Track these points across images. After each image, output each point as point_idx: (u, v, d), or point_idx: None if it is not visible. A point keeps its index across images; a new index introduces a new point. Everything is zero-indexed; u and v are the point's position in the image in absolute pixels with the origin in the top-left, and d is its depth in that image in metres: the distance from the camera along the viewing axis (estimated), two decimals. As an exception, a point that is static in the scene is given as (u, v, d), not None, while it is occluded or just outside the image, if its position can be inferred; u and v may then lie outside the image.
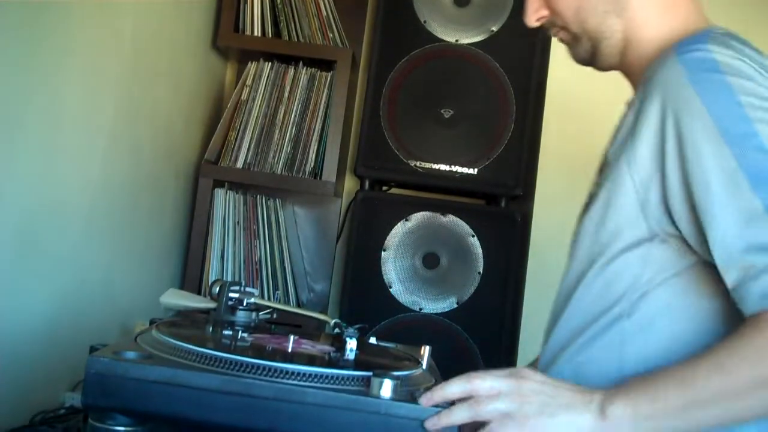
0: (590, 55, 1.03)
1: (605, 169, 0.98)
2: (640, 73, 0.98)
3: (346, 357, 0.93)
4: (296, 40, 2.10)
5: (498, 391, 0.82)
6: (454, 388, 0.81)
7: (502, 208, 2.04)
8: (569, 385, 0.84)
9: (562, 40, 1.06)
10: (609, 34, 1.00)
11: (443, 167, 2.01)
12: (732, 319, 0.86)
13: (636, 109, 0.93)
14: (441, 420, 0.78)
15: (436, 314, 1.98)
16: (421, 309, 1.98)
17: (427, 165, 2.02)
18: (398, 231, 2.02)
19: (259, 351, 0.91)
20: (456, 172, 2.01)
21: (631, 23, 0.99)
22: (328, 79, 2.09)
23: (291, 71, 2.10)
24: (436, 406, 0.78)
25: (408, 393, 0.79)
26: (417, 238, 2.02)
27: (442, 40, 2.04)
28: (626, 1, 0.99)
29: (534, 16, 1.04)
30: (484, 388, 0.82)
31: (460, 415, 0.79)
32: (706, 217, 0.83)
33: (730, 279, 0.81)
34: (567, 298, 1.00)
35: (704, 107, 0.84)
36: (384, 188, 2.20)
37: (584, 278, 0.97)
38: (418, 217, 2.02)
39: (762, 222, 0.79)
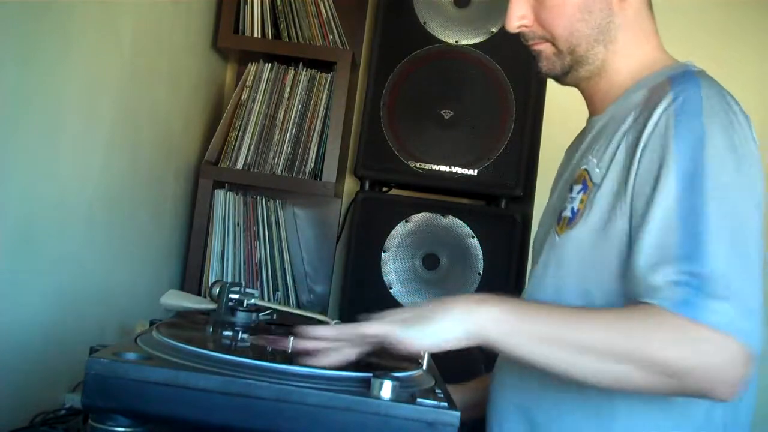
0: (564, 73, 1.08)
1: (589, 189, 1.01)
2: (605, 97, 1.07)
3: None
4: (296, 41, 2.10)
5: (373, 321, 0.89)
6: (332, 328, 0.89)
7: (502, 209, 2.04)
8: (440, 300, 0.92)
9: (538, 52, 1.08)
10: (592, 60, 1.06)
11: (443, 168, 2.01)
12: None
13: (632, 141, 0.97)
14: (329, 358, 0.85)
15: (436, 315, 1.98)
16: (421, 310, 1.98)
17: (427, 166, 2.02)
18: (398, 232, 2.01)
19: (259, 352, 0.91)
20: (456, 173, 2.01)
21: (613, 55, 1.06)
22: (328, 80, 2.09)
23: (291, 72, 2.10)
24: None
25: (408, 394, 0.78)
26: (417, 239, 2.02)
27: (442, 42, 2.04)
28: (614, 35, 1.05)
29: (517, 22, 1.06)
30: (355, 326, 0.89)
31: (341, 343, 0.87)
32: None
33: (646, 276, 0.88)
34: None
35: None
36: (384, 189, 2.19)
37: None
38: (418, 218, 2.02)
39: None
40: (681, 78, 0.98)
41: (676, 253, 0.86)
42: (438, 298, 0.91)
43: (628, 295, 0.92)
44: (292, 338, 0.93)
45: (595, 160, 1.03)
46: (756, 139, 0.95)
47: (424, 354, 0.98)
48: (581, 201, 1.02)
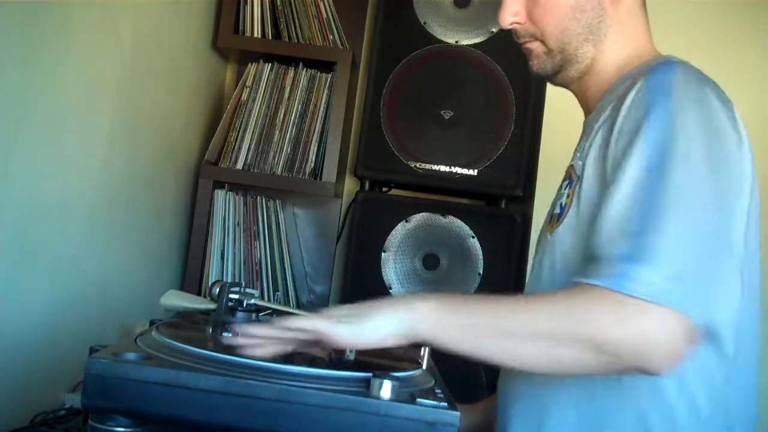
0: (554, 72, 1.08)
1: (574, 183, 1.01)
2: (595, 96, 1.07)
3: (346, 358, 0.93)
4: (296, 41, 2.10)
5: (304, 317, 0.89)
6: (268, 324, 0.89)
7: (502, 209, 2.04)
8: (379, 299, 0.91)
9: (529, 50, 1.08)
10: (581, 59, 1.06)
11: (443, 168, 2.01)
12: None
13: (606, 131, 0.96)
14: (263, 348, 0.85)
15: (436, 315, 1.98)
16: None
17: (427, 166, 2.02)
18: (398, 232, 2.01)
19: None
20: (456, 173, 2.01)
21: (601, 54, 1.06)
22: (328, 80, 2.09)
23: (291, 72, 2.10)
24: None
25: (408, 394, 0.78)
26: (417, 239, 2.02)
27: (442, 42, 2.04)
28: (604, 35, 1.05)
29: (510, 18, 1.06)
30: (289, 321, 0.88)
31: (266, 332, 0.87)
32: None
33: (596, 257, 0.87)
34: None
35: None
36: (384, 189, 2.19)
37: None
38: (418, 218, 2.02)
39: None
40: (658, 66, 0.98)
41: (624, 232, 0.85)
42: (378, 299, 0.91)
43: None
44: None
45: (578, 154, 1.03)
46: (738, 121, 0.94)
47: (424, 354, 0.98)
48: (568, 196, 1.02)
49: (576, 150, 1.07)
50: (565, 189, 1.04)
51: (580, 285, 0.85)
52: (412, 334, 0.87)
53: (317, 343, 0.89)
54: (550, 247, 1.04)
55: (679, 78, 0.93)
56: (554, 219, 1.05)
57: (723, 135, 0.90)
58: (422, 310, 0.87)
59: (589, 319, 0.83)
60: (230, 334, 0.90)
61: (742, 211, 0.92)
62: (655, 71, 0.96)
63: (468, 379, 1.85)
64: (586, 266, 0.89)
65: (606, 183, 0.93)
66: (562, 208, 1.03)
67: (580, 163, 1.01)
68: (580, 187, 0.99)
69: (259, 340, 0.87)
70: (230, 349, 0.90)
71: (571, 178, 1.03)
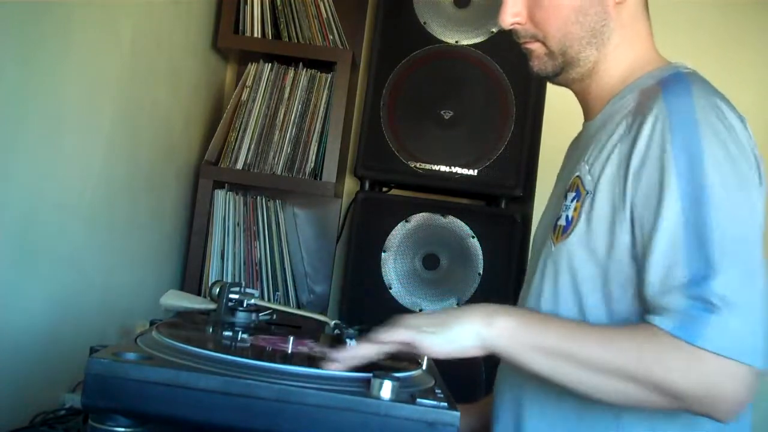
0: (555, 74, 1.07)
1: (582, 197, 1.01)
2: (597, 100, 1.07)
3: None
4: (296, 41, 2.10)
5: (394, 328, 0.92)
6: (358, 348, 0.91)
7: (502, 209, 2.04)
8: (457, 308, 0.96)
9: (530, 50, 1.07)
10: (584, 62, 1.05)
11: (443, 168, 2.01)
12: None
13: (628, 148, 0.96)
14: (347, 353, 0.87)
15: (436, 315, 1.98)
16: (421, 310, 1.98)
17: (427, 166, 2.02)
18: (398, 232, 2.01)
19: (259, 352, 0.91)
20: (456, 173, 2.01)
21: (604, 57, 1.05)
22: (328, 80, 2.09)
23: (291, 72, 2.10)
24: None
25: (408, 394, 0.78)
26: (417, 239, 2.02)
27: (442, 42, 2.04)
28: (607, 38, 1.04)
29: (511, 19, 1.05)
30: (380, 332, 0.92)
31: (365, 349, 0.90)
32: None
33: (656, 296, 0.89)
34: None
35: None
36: (384, 189, 2.19)
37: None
38: (418, 218, 2.02)
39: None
40: (671, 82, 0.97)
41: (682, 274, 0.87)
42: (455, 307, 0.95)
43: (639, 314, 0.93)
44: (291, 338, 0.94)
45: (587, 167, 1.02)
46: (752, 137, 0.95)
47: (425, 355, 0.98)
48: (575, 209, 1.01)
49: (581, 159, 1.05)
50: (572, 201, 1.02)
51: (651, 325, 0.87)
52: (490, 347, 0.91)
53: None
54: (554, 257, 1.03)
55: (698, 103, 0.93)
56: (559, 230, 1.04)
57: (748, 160, 0.92)
58: (501, 325, 0.91)
59: (661, 363, 0.86)
60: (327, 360, 0.90)
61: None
62: (670, 91, 0.95)
63: (468, 379, 1.85)
64: (644, 302, 0.91)
65: (620, 208, 0.94)
66: (568, 221, 1.02)
67: (589, 177, 1.00)
68: (591, 203, 0.98)
69: (349, 356, 0.88)
70: (229, 349, 0.90)
71: (578, 190, 1.02)
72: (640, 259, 0.93)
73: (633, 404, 0.90)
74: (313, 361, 0.91)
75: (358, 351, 0.90)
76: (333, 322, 1.10)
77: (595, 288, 0.98)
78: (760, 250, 0.89)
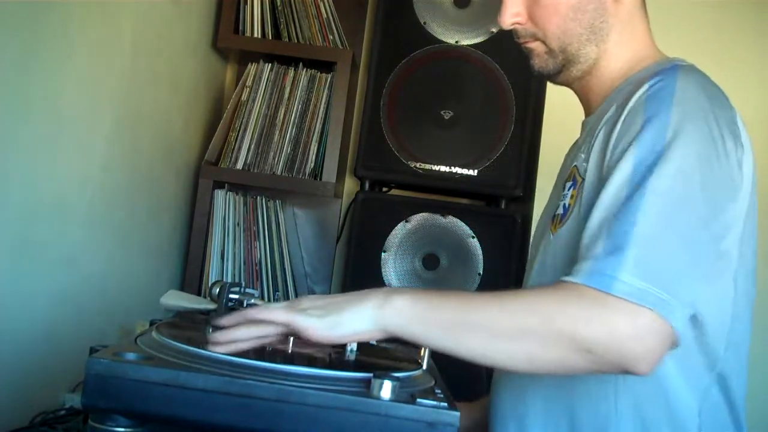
0: (556, 72, 1.07)
1: (578, 184, 1.01)
2: (597, 97, 1.07)
3: (346, 358, 0.93)
4: (296, 41, 2.10)
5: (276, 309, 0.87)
6: (241, 314, 0.87)
7: (502, 209, 2.04)
8: (351, 293, 0.90)
9: (530, 50, 1.08)
10: (584, 60, 1.05)
11: (443, 168, 2.01)
12: None
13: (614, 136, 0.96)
14: (225, 336, 0.84)
15: (436, 315, 1.98)
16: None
17: (427, 166, 2.02)
18: (398, 232, 2.02)
19: (259, 352, 0.91)
20: (456, 173, 2.01)
21: (604, 54, 1.06)
22: (328, 80, 2.09)
23: (291, 72, 2.10)
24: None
25: (408, 394, 0.79)
26: (417, 239, 2.02)
27: (442, 42, 2.04)
28: (606, 35, 1.05)
29: (511, 19, 1.05)
30: (267, 308, 0.87)
31: (245, 332, 0.86)
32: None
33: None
34: None
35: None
36: (384, 189, 2.20)
37: None
38: (418, 219, 2.02)
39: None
40: (662, 70, 0.98)
41: (607, 233, 0.85)
42: (356, 292, 0.89)
43: None
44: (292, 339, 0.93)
45: (583, 156, 1.03)
46: (742, 129, 0.94)
47: (424, 354, 0.98)
48: (572, 197, 1.02)
49: (580, 150, 1.07)
50: (569, 190, 1.03)
51: (561, 282, 0.85)
52: (385, 328, 0.85)
53: (290, 335, 0.88)
54: (551, 247, 1.04)
55: (680, 85, 0.92)
56: (557, 219, 1.05)
57: (717, 144, 0.90)
58: (396, 304, 0.86)
59: (567, 315, 0.82)
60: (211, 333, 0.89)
61: (736, 220, 0.92)
62: (658, 77, 0.95)
63: (468, 378, 1.85)
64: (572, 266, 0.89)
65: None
66: (565, 209, 1.03)
67: (585, 165, 1.01)
68: (582, 189, 0.99)
69: (230, 337, 0.86)
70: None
71: (575, 179, 1.03)
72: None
73: (547, 369, 0.86)
74: (313, 360, 0.91)
75: (239, 333, 0.86)
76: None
77: None
78: (710, 227, 0.87)
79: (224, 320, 0.89)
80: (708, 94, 0.93)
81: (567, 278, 0.85)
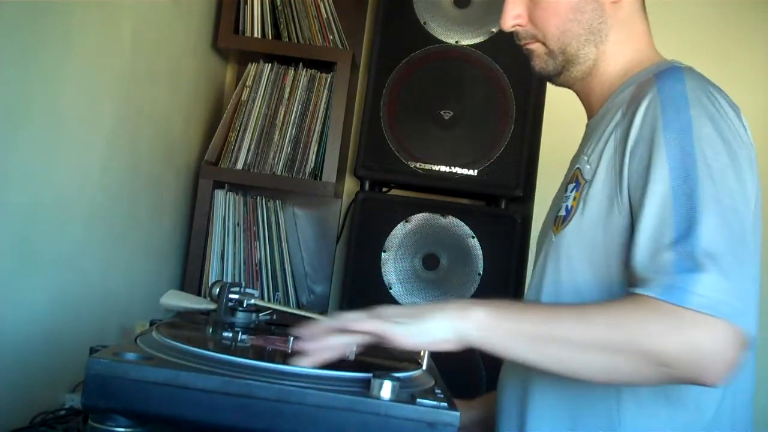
0: (557, 73, 1.09)
1: (581, 186, 1.02)
2: (599, 98, 1.08)
3: (346, 358, 0.93)
4: (296, 41, 2.10)
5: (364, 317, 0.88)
6: (328, 321, 0.89)
7: (502, 209, 2.04)
8: (432, 302, 0.93)
9: (531, 51, 1.09)
10: (583, 60, 1.07)
11: (443, 168, 2.01)
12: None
13: (620, 138, 0.97)
14: (313, 345, 0.85)
15: (436, 315, 1.98)
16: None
17: (427, 166, 2.02)
18: (398, 232, 2.01)
19: (259, 352, 0.91)
20: (456, 173, 2.01)
21: (603, 55, 1.07)
22: (328, 80, 2.09)
23: (291, 72, 2.10)
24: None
25: (408, 394, 0.79)
26: (417, 239, 2.02)
27: (442, 42, 2.04)
28: (606, 35, 1.06)
29: (512, 21, 1.07)
30: (350, 318, 0.88)
31: (334, 340, 0.87)
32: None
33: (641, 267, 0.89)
34: None
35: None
36: (384, 189, 2.20)
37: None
38: (418, 219, 2.02)
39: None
40: (665, 72, 0.99)
41: (669, 241, 0.86)
42: (431, 301, 0.92)
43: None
44: (291, 339, 0.93)
45: (585, 158, 1.03)
46: (746, 127, 0.96)
47: (424, 354, 0.98)
48: (574, 198, 1.03)
49: (582, 153, 1.07)
50: (571, 191, 1.04)
51: (634, 296, 0.86)
52: (466, 340, 0.88)
53: (380, 347, 0.90)
54: (554, 248, 1.05)
55: (690, 86, 0.94)
56: (559, 221, 1.05)
57: (738, 142, 0.92)
58: (475, 316, 0.88)
59: (645, 330, 0.84)
60: (292, 339, 0.89)
61: (755, 219, 0.94)
62: (664, 79, 0.96)
63: (468, 378, 1.85)
64: (630, 276, 0.90)
65: (617, 192, 0.95)
66: (568, 211, 1.03)
67: (588, 167, 1.01)
68: (587, 191, 1.00)
69: (318, 347, 0.86)
70: (229, 350, 0.90)
71: (578, 180, 1.03)
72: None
73: (622, 379, 0.88)
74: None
75: (328, 341, 0.87)
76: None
77: (595, 273, 0.98)
78: (750, 223, 0.89)
79: (305, 331, 0.89)
80: (716, 95, 0.95)
81: (641, 290, 0.86)
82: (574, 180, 1.05)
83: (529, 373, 1.05)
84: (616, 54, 1.06)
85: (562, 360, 0.87)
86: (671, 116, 0.91)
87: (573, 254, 1.01)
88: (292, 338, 0.97)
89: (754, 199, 0.93)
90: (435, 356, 0.98)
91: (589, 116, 1.13)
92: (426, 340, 0.88)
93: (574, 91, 1.13)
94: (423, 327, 0.88)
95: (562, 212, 1.05)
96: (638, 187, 0.92)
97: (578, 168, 1.05)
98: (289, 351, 0.94)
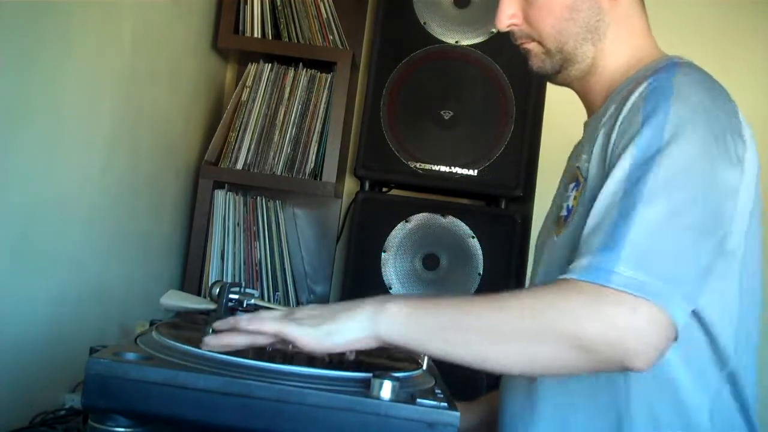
0: (555, 72, 1.07)
1: (581, 185, 1.01)
2: (598, 97, 1.07)
3: (346, 358, 0.93)
4: (296, 41, 2.10)
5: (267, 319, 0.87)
6: (234, 320, 0.88)
7: (502, 209, 2.04)
8: (345, 302, 0.89)
9: (528, 50, 1.08)
10: (581, 59, 1.05)
11: (443, 168, 2.01)
12: None
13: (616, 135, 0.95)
14: (218, 340, 0.84)
15: (436, 315, 1.98)
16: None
17: (427, 166, 2.02)
18: (398, 232, 2.01)
19: (259, 352, 0.91)
20: (456, 173, 2.01)
21: (601, 53, 1.05)
22: (328, 80, 2.09)
23: (291, 72, 2.10)
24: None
25: (408, 394, 0.79)
26: (417, 239, 2.02)
27: (442, 42, 2.04)
28: (603, 33, 1.04)
29: (507, 21, 1.07)
30: (259, 317, 0.87)
31: (237, 339, 0.85)
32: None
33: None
34: None
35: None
36: (384, 189, 2.20)
37: None
38: (418, 219, 2.02)
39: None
40: (662, 68, 0.98)
41: (604, 229, 0.84)
42: (351, 301, 0.89)
43: None
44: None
45: (585, 156, 1.03)
46: (741, 122, 0.93)
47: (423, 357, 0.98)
48: (575, 198, 1.02)
49: (581, 152, 1.06)
50: (572, 191, 1.03)
51: (558, 281, 0.84)
52: (380, 336, 0.85)
53: (382, 348, 0.87)
54: (556, 248, 1.04)
55: (678, 81, 0.92)
56: (561, 221, 1.04)
57: (718, 141, 0.89)
58: (390, 311, 0.85)
59: (563, 312, 0.81)
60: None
61: (742, 216, 0.92)
62: (657, 74, 0.95)
63: (468, 378, 1.85)
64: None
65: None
66: (569, 211, 1.02)
67: (587, 165, 1.01)
68: (585, 190, 0.99)
69: (225, 343, 0.86)
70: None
71: (578, 180, 1.02)
72: None
73: (546, 370, 0.86)
74: (313, 361, 0.91)
75: (226, 339, 0.85)
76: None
77: None
78: (715, 213, 0.86)
79: (217, 324, 0.89)
80: (706, 89, 0.93)
81: (563, 275, 0.84)
82: (575, 179, 1.04)
83: (532, 386, 1.04)
84: (616, 51, 1.05)
85: (479, 352, 0.83)
86: (650, 106, 0.90)
87: (571, 256, 1.00)
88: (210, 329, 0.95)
89: (742, 191, 0.90)
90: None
91: (589, 114, 1.12)
92: (336, 342, 0.85)
93: (574, 89, 1.12)
94: (334, 328, 0.85)
95: (564, 212, 1.04)
96: (608, 175, 0.90)
97: (578, 167, 1.04)
98: (289, 351, 0.94)
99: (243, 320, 0.87)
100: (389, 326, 0.84)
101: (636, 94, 0.94)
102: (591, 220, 0.87)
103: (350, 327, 0.85)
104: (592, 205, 0.91)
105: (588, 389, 0.98)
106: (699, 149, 0.87)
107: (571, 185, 1.04)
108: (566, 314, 0.81)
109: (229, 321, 0.89)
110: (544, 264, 1.08)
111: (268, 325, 0.86)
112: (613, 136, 0.93)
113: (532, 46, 1.07)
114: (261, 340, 0.87)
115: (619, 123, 0.93)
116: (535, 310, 0.82)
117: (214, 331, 0.88)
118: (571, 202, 1.02)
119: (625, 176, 0.87)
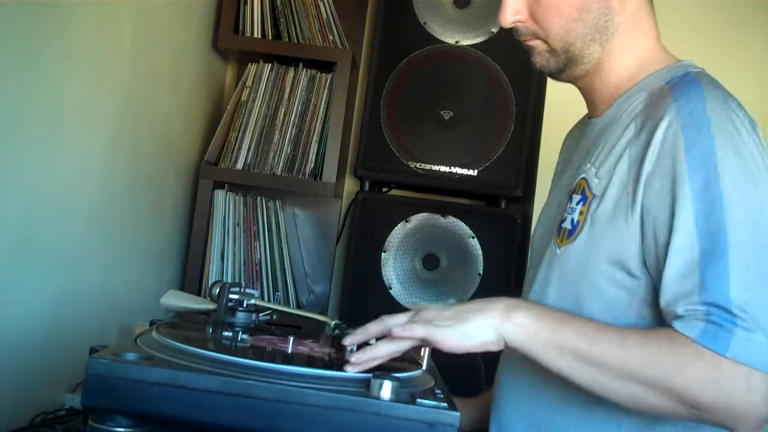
0: (559, 71, 1.06)
1: (588, 200, 1.00)
2: (604, 98, 1.06)
3: (346, 358, 0.93)
4: (296, 41, 2.10)
5: (410, 321, 0.92)
6: (373, 327, 0.93)
7: (502, 209, 2.04)
8: (473, 301, 0.95)
9: (531, 47, 1.06)
10: (587, 59, 1.04)
11: (443, 168, 2.01)
12: None
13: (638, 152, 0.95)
14: (365, 355, 0.87)
15: (436, 315, 1.98)
16: (421, 310, 1.98)
17: (427, 166, 2.02)
18: (398, 232, 2.01)
19: (259, 352, 0.91)
20: (456, 173, 2.01)
21: (609, 54, 1.04)
22: (328, 80, 2.09)
23: (291, 72, 2.10)
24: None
25: (408, 394, 0.79)
26: (417, 239, 2.02)
27: (442, 42, 2.04)
28: (612, 34, 1.03)
29: (511, 17, 1.03)
30: (396, 322, 0.92)
31: (384, 349, 0.89)
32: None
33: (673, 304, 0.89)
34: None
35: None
36: (384, 189, 2.20)
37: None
38: (418, 219, 2.02)
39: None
40: (682, 84, 0.96)
41: (698, 282, 0.86)
42: (470, 301, 0.94)
43: (647, 321, 0.94)
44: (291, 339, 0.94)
45: (593, 170, 1.01)
46: (762, 143, 0.93)
47: (424, 354, 0.98)
48: (581, 213, 1.00)
49: (586, 159, 1.04)
50: (577, 204, 1.01)
51: (674, 332, 0.86)
52: (511, 342, 0.90)
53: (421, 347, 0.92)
54: (559, 261, 1.03)
55: (710, 106, 0.92)
56: (564, 233, 1.03)
57: (760, 167, 0.91)
58: (519, 321, 0.90)
59: (682, 372, 0.84)
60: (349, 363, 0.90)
61: None
62: (680, 93, 0.94)
63: (468, 376, 1.85)
64: (663, 312, 0.90)
65: (629, 215, 0.93)
66: (574, 225, 1.01)
67: (597, 181, 0.99)
68: (597, 207, 0.98)
69: (367, 358, 0.88)
70: (229, 350, 0.90)
71: (585, 193, 1.01)
72: (653, 267, 0.92)
73: (650, 411, 0.89)
74: (313, 361, 0.91)
75: (378, 351, 0.89)
76: (333, 322, 1.10)
77: (601, 293, 0.97)
78: None
79: (351, 339, 0.92)
80: (735, 110, 0.93)
81: (679, 328, 0.86)
82: (581, 191, 1.02)
83: (529, 379, 1.05)
84: (623, 52, 1.03)
85: (596, 381, 0.89)
86: (693, 144, 0.90)
87: (577, 272, 0.99)
88: (291, 338, 0.97)
89: None
90: (435, 356, 0.98)
91: (592, 113, 1.11)
92: (471, 343, 0.90)
93: (577, 86, 1.10)
94: (467, 329, 0.90)
95: (567, 225, 1.02)
96: (659, 223, 0.91)
97: (584, 179, 1.02)
98: (289, 351, 0.94)
99: (395, 328, 0.90)
100: (513, 335, 0.90)
101: (665, 123, 0.92)
102: (675, 270, 0.88)
103: (483, 330, 0.90)
104: (609, 228, 0.94)
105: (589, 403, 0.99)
106: (753, 181, 0.89)
107: (576, 197, 1.02)
108: (685, 376, 0.84)
109: (363, 331, 0.92)
110: (544, 274, 1.06)
111: (418, 330, 0.90)
112: (645, 169, 0.93)
113: (536, 44, 1.05)
114: (402, 347, 0.91)
115: (652, 157, 0.92)
116: (655, 362, 0.86)
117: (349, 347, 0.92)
118: (576, 216, 1.01)
119: (695, 227, 0.87)
